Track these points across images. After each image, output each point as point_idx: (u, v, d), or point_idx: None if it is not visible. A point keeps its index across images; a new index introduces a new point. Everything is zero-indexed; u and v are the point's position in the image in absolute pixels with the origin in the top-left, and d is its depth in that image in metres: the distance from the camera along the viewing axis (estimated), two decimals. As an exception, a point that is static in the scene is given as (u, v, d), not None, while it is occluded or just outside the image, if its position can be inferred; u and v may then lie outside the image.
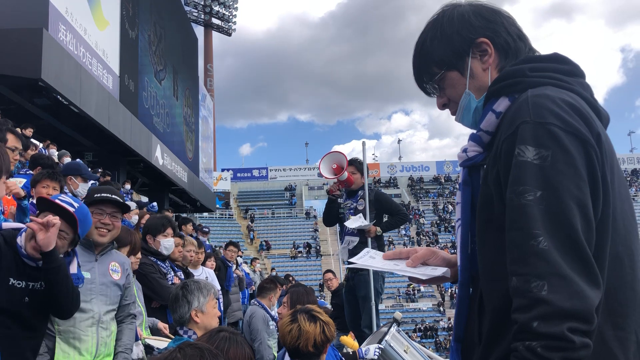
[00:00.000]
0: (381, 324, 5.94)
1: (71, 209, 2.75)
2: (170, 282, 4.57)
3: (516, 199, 1.14)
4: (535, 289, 1.07)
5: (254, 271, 12.67)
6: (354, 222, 5.56)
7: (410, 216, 49.68)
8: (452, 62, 1.39)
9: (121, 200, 3.29)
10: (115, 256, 3.35)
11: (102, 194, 3.25)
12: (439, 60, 1.40)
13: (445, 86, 1.42)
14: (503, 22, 1.39)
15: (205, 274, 6.42)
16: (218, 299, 7.15)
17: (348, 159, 5.73)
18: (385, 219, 5.80)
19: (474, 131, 1.37)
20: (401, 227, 6.69)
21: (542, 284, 1.07)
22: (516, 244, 1.13)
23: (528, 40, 1.41)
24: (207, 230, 11.65)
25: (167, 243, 4.58)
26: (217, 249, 12.78)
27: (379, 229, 5.56)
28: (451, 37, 1.38)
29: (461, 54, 1.38)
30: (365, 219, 5.56)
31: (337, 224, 5.99)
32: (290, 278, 12.40)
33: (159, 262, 4.56)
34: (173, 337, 3.85)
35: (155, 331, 4.33)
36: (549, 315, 1.05)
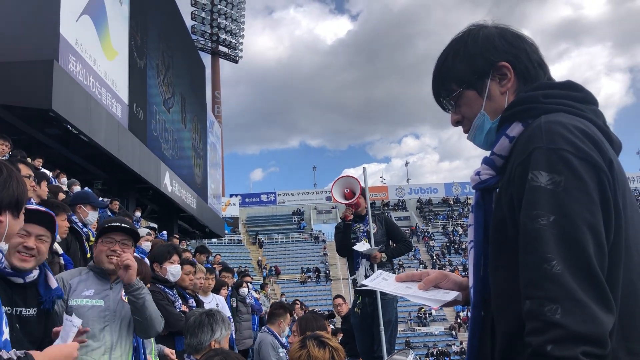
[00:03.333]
0: (394, 349, 5.89)
1: (43, 208, 2.66)
2: (177, 310, 4.55)
3: (529, 223, 1.14)
4: (549, 312, 1.07)
5: (266, 296, 12.56)
6: (362, 246, 5.57)
7: (420, 237, 49.41)
8: (472, 81, 1.40)
9: (130, 227, 3.30)
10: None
11: (112, 223, 3.29)
12: (459, 78, 1.41)
13: (462, 104, 1.44)
14: (526, 48, 1.40)
15: (216, 301, 6.38)
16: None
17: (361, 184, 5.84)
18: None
19: (487, 154, 1.39)
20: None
21: (555, 307, 1.07)
22: (529, 268, 1.13)
23: (548, 69, 1.42)
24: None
25: (173, 269, 4.59)
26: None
27: (384, 255, 5.56)
28: (474, 57, 1.40)
29: (481, 74, 1.39)
30: (372, 241, 5.58)
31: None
32: (298, 304, 12.28)
33: (166, 290, 4.55)
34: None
35: (162, 358, 4.31)
36: (563, 339, 1.05)
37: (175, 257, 4.63)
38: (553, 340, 1.05)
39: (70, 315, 2.44)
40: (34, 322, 2.61)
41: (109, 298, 3.16)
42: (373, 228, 5.69)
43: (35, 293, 2.66)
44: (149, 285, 4.13)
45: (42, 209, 2.68)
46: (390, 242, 5.89)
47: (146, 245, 7.56)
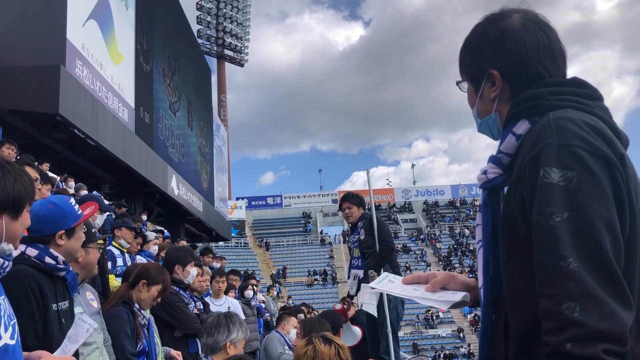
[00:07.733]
0: (400, 351, 5.85)
1: None
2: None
3: (543, 220, 1.12)
4: (567, 310, 1.05)
5: (273, 299, 12.56)
6: (362, 295, 5.41)
7: (426, 239, 49.26)
8: (470, 77, 1.46)
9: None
10: (86, 286, 3.32)
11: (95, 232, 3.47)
12: (463, 69, 1.49)
13: (466, 91, 1.51)
14: (530, 56, 1.34)
15: (229, 303, 6.35)
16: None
17: (341, 199, 5.89)
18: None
19: (494, 153, 1.37)
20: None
21: (573, 305, 1.04)
22: (545, 266, 1.11)
23: (560, 67, 1.37)
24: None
25: (194, 272, 4.62)
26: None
27: (371, 271, 5.34)
28: (474, 56, 1.43)
29: (477, 75, 1.43)
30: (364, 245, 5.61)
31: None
32: (304, 307, 12.23)
33: (181, 292, 4.54)
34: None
35: (169, 360, 4.29)
36: (583, 337, 1.02)
37: (192, 262, 4.67)
38: (572, 338, 1.03)
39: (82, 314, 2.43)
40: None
41: (81, 301, 3.09)
42: (362, 235, 5.64)
43: (63, 282, 2.60)
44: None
45: None
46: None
47: (154, 248, 7.55)
